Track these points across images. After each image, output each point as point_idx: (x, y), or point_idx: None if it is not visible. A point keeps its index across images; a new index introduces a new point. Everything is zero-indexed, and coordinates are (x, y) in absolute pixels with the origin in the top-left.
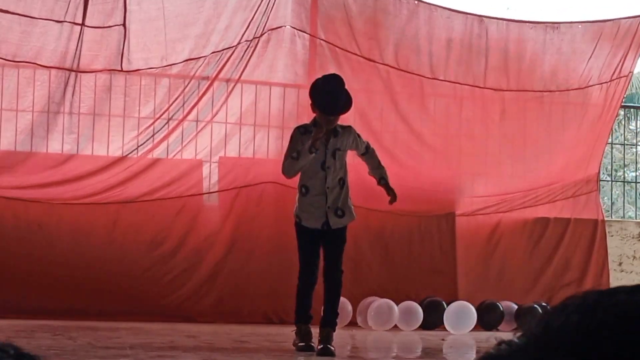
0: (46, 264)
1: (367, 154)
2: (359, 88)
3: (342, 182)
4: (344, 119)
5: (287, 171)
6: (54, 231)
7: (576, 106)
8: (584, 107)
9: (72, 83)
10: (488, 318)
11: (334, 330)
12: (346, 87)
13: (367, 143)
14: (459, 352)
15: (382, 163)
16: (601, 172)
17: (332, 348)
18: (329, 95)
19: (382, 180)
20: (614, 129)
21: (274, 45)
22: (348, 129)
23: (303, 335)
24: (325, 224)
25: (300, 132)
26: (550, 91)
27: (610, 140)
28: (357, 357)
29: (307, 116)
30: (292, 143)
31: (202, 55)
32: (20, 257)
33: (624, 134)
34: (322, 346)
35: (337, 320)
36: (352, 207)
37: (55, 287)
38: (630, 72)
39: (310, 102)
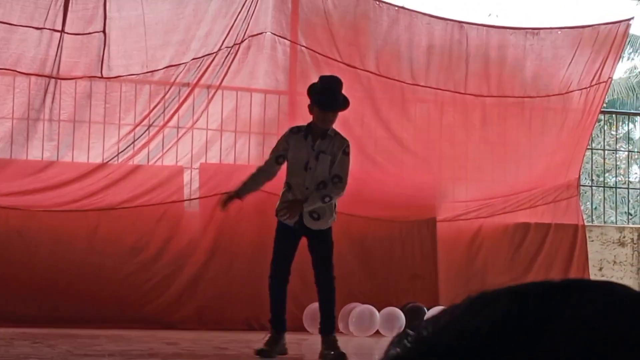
0: (26, 271)
1: (333, 179)
2: None
3: (324, 185)
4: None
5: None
6: (34, 239)
7: (556, 112)
8: (564, 113)
9: (51, 90)
10: None
11: (334, 334)
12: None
13: (341, 176)
14: None
15: (335, 196)
16: (583, 178)
17: (342, 351)
18: (326, 91)
19: (320, 195)
20: (595, 135)
21: (255, 52)
22: (340, 138)
23: (269, 340)
24: (298, 223)
25: (292, 132)
26: (530, 97)
27: (591, 145)
28: None
29: (289, 122)
30: (279, 141)
31: (182, 62)
32: (0, 264)
33: (604, 139)
34: (332, 353)
35: (335, 324)
36: (334, 212)
37: (35, 295)
38: (609, 77)
39: (308, 102)
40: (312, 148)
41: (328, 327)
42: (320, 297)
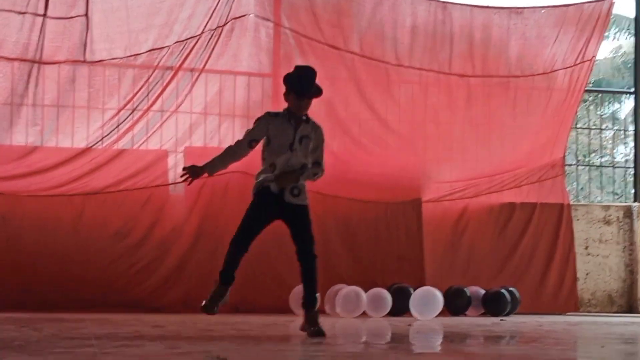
0: (11, 256)
1: (314, 164)
2: (324, 76)
3: (304, 167)
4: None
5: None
6: (18, 223)
7: (541, 91)
8: (549, 92)
9: (35, 75)
10: (455, 303)
11: (317, 310)
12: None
13: (321, 162)
14: (426, 337)
15: (318, 177)
16: (569, 158)
17: (323, 329)
18: (301, 79)
19: (312, 172)
20: (581, 115)
21: (238, 34)
22: (318, 127)
23: (214, 293)
24: (279, 195)
25: (272, 115)
26: (515, 76)
27: (576, 125)
28: (325, 344)
29: (272, 105)
30: (256, 125)
31: (165, 45)
32: None
33: (589, 119)
34: (313, 328)
35: (318, 299)
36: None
37: (21, 280)
38: (593, 56)
39: (284, 90)
40: (296, 131)
41: (310, 303)
42: (304, 274)
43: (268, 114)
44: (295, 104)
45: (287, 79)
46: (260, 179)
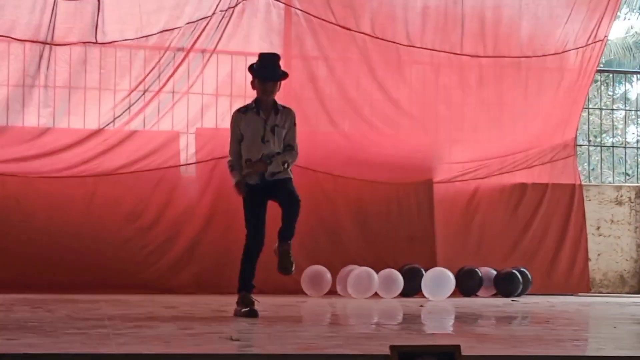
0: (24, 238)
1: (286, 148)
2: (335, 57)
3: (279, 153)
4: (321, 91)
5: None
6: (31, 205)
7: (552, 71)
8: (560, 72)
9: (46, 56)
10: (467, 284)
11: (290, 242)
12: (318, 56)
13: (293, 145)
14: (438, 318)
15: (291, 162)
16: (581, 139)
17: (289, 252)
18: (264, 63)
19: (281, 160)
20: (592, 95)
21: (249, 15)
22: (288, 110)
23: (246, 302)
24: (260, 178)
25: (241, 112)
26: (527, 57)
27: (587, 105)
28: (337, 325)
29: (281, 88)
30: (233, 127)
31: (177, 26)
32: None
33: (601, 100)
34: (281, 248)
35: (293, 234)
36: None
37: (34, 261)
38: (605, 36)
39: (251, 80)
40: (266, 122)
41: (287, 236)
42: (285, 211)
43: (238, 111)
44: (261, 89)
45: (251, 68)
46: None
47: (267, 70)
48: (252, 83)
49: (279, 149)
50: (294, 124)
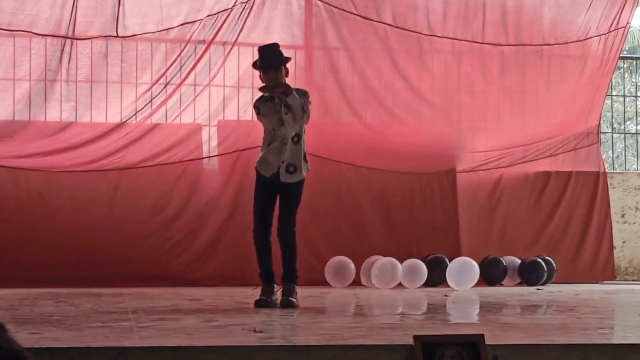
0: (48, 232)
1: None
2: (356, 47)
3: (297, 137)
4: (343, 82)
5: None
6: (54, 200)
7: (575, 59)
8: (583, 60)
9: (67, 50)
10: (491, 273)
11: (295, 284)
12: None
13: (306, 110)
14: (463, 307)
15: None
16: (604, 126)
17: (294, 300)
18: (261, 54)
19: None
20: (615, 82)
21: (270, 7)
22: (303, 91)
23: (264, 291)
24: (274, 175)
25: (261, 101)
26: (549, 44)
27: (611, 93)
28: (361, 315)
29: (306, 77)
30: (256, 109)
31: (197, 18)
32: (21, 226)
33: (624, 87)
34: (284, 298)
35: (296, 274)
36: (307, 162)
37: (58, 256)
38: (628, 22)
39: (259, 74)
40: (281, 106)
41: (292, 277)
42: (283, 251)
43: (259, 99)
44: (265, 79)
45: (254, 63)
46: (256, 162)
47: (264, 59)
48: (260, 77)
49: (296, 131)
50: (308, 101)
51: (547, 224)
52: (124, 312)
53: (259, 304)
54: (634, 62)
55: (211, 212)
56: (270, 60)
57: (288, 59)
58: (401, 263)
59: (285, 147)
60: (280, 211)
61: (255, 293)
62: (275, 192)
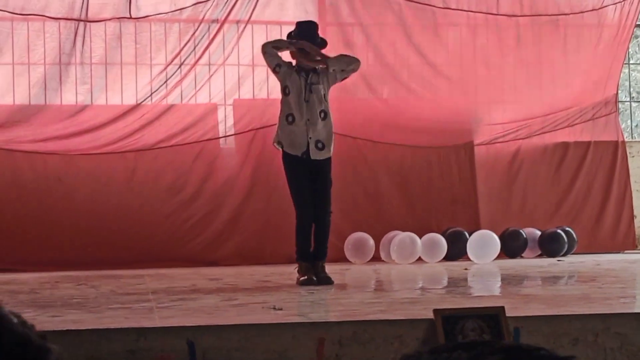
0: (67, 215)
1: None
2: (371, 22)
3: (324, 114)
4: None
5: (267, 46)
6: (73, 182)
7: (591, 28)
8: (599, 29)
9: (81, 33)
10: (511, 246)
11: (324, 261)
12: (354, 22)
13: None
14: (484, 280)
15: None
16: (622, 95)
17: (328, 275)
18: (302, 31)
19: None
20: (633, 51)
21: None
22: (326, 70)
23: (305, 270)
24: (305, 154)
25: (289, 67)
26: (564, 14)
27: (628, 61)
28: (382, 290)
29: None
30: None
31: None
32: (41, 209)
33: None
34: (322, 275)
35: (326, 253)
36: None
37: (77, 238)
38: None
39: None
40: (306, 82)
41: (320, 255)
42: (317, 232)
43: (288, 63)
44: (299, 59)
45: (289, 35)
46: (275, 137)
47: (306, 30)
48: (292, 53)
49: (322, 107)
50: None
51: (567, 195)
52: (144, 293)
53: (307, 282)
54: None
55: (229, 191)
56: (313, 39)
57: (326, 43)
58: (420, 238)
59: (310, 124)
60: (315, 191)
61: (294, 274)
62: (307, 171)
